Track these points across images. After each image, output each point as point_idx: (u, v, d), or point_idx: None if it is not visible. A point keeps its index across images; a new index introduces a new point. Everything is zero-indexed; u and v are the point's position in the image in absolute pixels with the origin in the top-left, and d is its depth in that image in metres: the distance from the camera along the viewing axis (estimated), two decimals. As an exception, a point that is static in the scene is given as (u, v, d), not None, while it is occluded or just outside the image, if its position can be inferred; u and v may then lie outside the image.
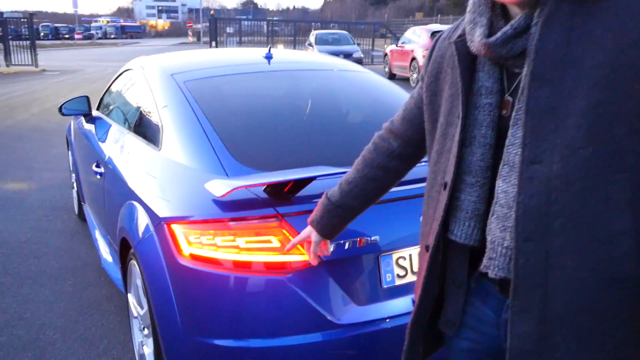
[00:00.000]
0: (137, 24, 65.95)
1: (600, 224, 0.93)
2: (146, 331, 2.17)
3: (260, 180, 1.77)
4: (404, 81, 15.01)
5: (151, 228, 1.97)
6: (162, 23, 67.47)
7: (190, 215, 1.83)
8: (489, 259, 1.04)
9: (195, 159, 2.06)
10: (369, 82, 2.90)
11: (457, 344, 1.25)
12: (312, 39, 19.02)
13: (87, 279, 3.35)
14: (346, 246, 1.76)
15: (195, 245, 1.78)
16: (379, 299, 1.83)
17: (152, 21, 70.48)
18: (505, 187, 1.01)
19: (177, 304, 1.82)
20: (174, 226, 1.84)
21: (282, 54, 3.19)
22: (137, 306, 2.28)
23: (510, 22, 1.01)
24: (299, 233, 1.73)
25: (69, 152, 4.53)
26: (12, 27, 21.08)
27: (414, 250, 1.88)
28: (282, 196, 1.78)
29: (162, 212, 1.94)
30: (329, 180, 1.85)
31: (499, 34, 1.02)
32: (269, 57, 2.88)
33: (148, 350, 2.17)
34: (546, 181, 0.95)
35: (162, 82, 2.55)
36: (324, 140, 2.30)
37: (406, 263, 1.87)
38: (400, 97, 2.74)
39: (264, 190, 1.79)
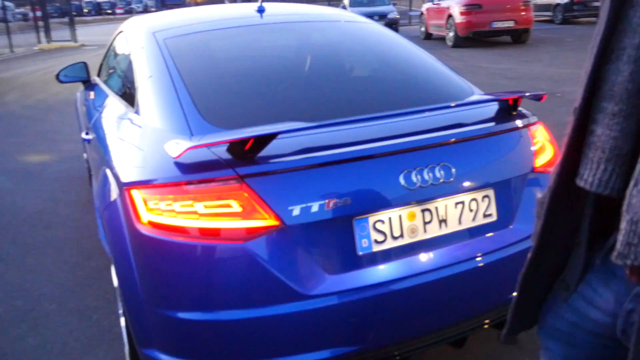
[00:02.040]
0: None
1: None
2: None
3: (218, 138, 1.60)
4: (440, 41, 14.42)
5: (115, 195, 1.85)
6: (201, -6, 67.58)
7: (148, 180, 1.68)
8: (627, 244, 0.75)
9: (163, 118, 1.91)
10: (373, 34, 2.65)
11: (555, 323, 1.02)
12: (345, 1, 18.48)
13: (90, 249, 3.30)
14: (313, 209, 1.58)
15: (154, 211, 1.64)
16: (354, 267, 1.65)
17: (191, -8, 70.60)
18: None
19: (138, 275, 1.70)
20: (133, 191, 1.70)
21: (278, 7, 2.98)
22: (115, 277, 2.19)
23: None
24: (260, 196, 1.57)
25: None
26: (57, 4, 21.40)
27: (394, 213, 1.68)
28: (243, 155, 1.61)
29: (123, 177, 1.81)
30: (297, 137, 1.67)
31: None
32: (261, 10, 2.68)
33: (123, 322, 2.08)
34: None
35: (143, 41, 2.40)
36: (311, 95, 2.10)
37: (385, 227, 1.67)
38: (406, 48, 2.49)
39: (227, 149, 1.63)
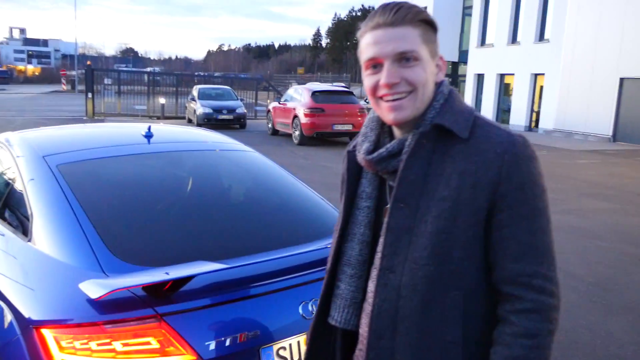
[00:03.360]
0: (4, 68, 61.28)
1: (436, 332, 1.10)
2: None
3: (138, 280, 1.75)
4: (286, 137, 15.40)
5: (17, 331, 1.85)
6: (33, 68, 63.34)
7: (62, 319, 1.75)
8: (359, 349, 1.22)
9: (69, 253, 1.98)
10: (253, 164, 2.98)
11: None
12: (195, 93, 18.95)
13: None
14: (227, 343, 1.78)
15: (67, 350, 1.70)
16: (260, 393, 1.85)
17: (20, 66, 65.87)
18: (373, 288, 1.16)
19: None
20: (44, 331, 1.75)
21: (163, 131, 3.19)
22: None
23: (387, 145, 1.19)
24: (178, 333, 1.74)
25: None
26: None
27: (294, 340, 1.94)
28: (162, 294, 1.78)
29: (29, 314, 1.83)
30: (211, 275, 1.88)
31: (375, 154, 1.19)
32: (148, 136, 2.87)
33: None
34: (397, 289, 1.12)
35: (33, 165, 2.44)
36: (207, 229, 2.32)
37: (286, 353, 1.92)
38: (284, 179, 2.85)
39: (143, 288, 1.78)
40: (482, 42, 25.93)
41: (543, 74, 21.94)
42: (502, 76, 24.62)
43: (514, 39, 23.76)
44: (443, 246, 1.08)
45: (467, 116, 1.15)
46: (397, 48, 1.11)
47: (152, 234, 2.19)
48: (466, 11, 28.89)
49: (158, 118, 20.78)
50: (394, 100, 1.13)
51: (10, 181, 2.58)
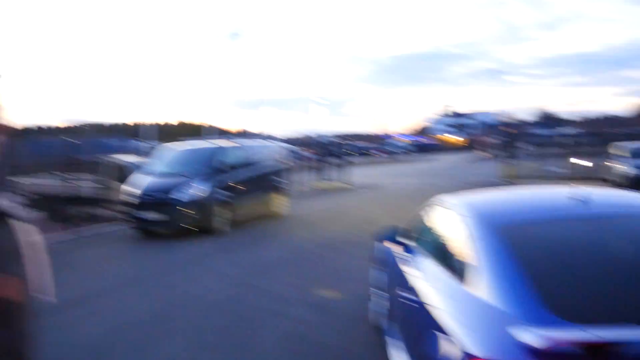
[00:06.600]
0: (437, 141, 69.30)
1: None
2: None
3: (579, 335, 1.76)
4: None
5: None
6: (456, 139, 70.56)
7: (494, 359, 1.90)
8: None
9: (504, 300, 2.14)
10: None
11: None
12: (619, 151, 17.31)
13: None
14: None
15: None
16: None
17: (448, 137, 74.06)
18: None
19: None
20: None
21: (599, 195, 3.11)
22: None
23: None
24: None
25: (374, 269, 5.04)
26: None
27: None
28: (599, 356, 1.73)
29: (467, 348, 2.04)
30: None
31: None
32: (584, 200, 2.79)
33: None
34: None
35: (479, 225, 2.72)
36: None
37: None
38: None
39: (583, 346, 1.75)
40: None
41: None
42: None
43: None
44: None
45: None
46: None
47: (584, 292, 2.15)
48: None
49: (572, 179, 19.78)
50: None
51: (453, 235, 2.94)
